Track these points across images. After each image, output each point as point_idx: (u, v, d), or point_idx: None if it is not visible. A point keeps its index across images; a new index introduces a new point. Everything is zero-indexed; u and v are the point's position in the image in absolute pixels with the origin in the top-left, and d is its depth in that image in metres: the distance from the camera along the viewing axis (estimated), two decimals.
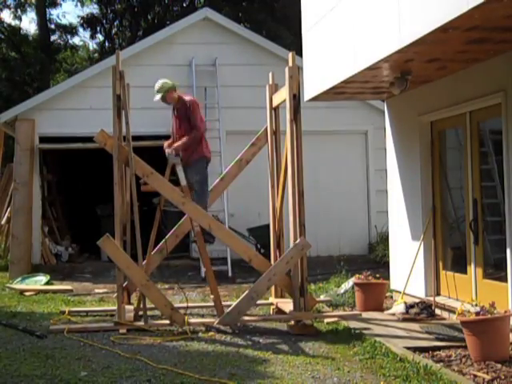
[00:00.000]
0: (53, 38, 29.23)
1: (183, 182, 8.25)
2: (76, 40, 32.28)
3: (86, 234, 14.57)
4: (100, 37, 28.85)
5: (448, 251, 8.70)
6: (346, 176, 14.30)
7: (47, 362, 6.22)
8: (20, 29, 28.72)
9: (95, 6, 28.34)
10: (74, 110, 13.49)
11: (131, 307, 8.16)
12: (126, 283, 8.16)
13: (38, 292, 10.52)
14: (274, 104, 8.87)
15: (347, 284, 9.75)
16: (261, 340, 7.15)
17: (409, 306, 8.32)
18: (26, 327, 7.67)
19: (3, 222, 14.59)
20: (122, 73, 7.98)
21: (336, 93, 9.05)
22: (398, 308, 8.39)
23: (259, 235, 12.57)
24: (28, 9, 28.71)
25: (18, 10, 28.12)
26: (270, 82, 8.99)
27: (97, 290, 10.82)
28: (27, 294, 10.41)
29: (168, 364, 6.10)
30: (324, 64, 8.82)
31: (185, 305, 8.38)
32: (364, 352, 6.48)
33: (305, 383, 5.58)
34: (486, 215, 7.74)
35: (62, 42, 29.66)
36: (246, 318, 7.87)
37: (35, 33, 29.31)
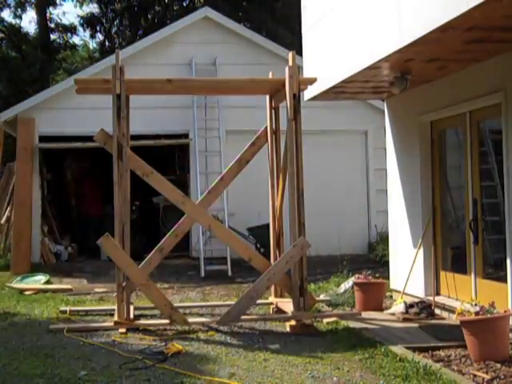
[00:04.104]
0: (53, 37, 29.27)
1: None
2: (76, 39, 32.32)
3: (85, 233, 14.59)
4: (100, 36, 28.87)
5: (448, 251, 8.70)
6: (345, 176, 14.31)
7: (47, 361, 6.23)
8: (20, 28, 28.72)
9: (95, 5, 28.34)
10: (73, 110, 13.49)
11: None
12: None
13: (38, 291, 10.52)
14: (274, 103, 8.87)
15: (347, 284, 9.75)
16: (260, 340, 7.15)
17: (408, 306, 8.32)
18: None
19: (3, 221, 14.60)
20: (122, 67, 7.97)
21: (336, 92, 9.05)
22: (398, 308, 8.39)
23: (259, 235, 12.57)
24: (28, 8, 28.74)
25: (19, 9, 28.12)
26: None
27: (96, 290, 10.81)
28: (27, 293, 10.40)
29: (168, 363, 6.11)
30: (324, 63, 8.82)
31: (185, 304, 8.40)
32: (363, 352, 6.47)
33: (304, 383, 5.59)
34: (485, 215, 7.73)
35: (61, 42, 29.67)
36: (246, 317, 7.87)
37: (35, 32, 29.31)
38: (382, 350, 6.46)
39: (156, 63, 13.56)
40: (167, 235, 8.68)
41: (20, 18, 28.73)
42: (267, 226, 9.32)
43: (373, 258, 13.10)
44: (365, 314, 8.27)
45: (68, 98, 13.39)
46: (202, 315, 8.54)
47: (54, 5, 28.76)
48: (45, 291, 10.52)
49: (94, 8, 28.64)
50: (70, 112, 13.56)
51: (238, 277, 12.01)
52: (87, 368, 5.98)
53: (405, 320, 7.99)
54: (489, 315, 6.17)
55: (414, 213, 8.96)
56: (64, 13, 30.49)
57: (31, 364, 6.11)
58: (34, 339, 7.13)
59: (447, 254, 8.70)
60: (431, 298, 8.42)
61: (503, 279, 7.11)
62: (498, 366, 5.93)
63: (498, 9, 5.19)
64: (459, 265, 8.18)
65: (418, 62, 7.22)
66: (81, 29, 28.78)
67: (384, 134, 10.28)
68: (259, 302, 8.46)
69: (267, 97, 8.95)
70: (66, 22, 35.01)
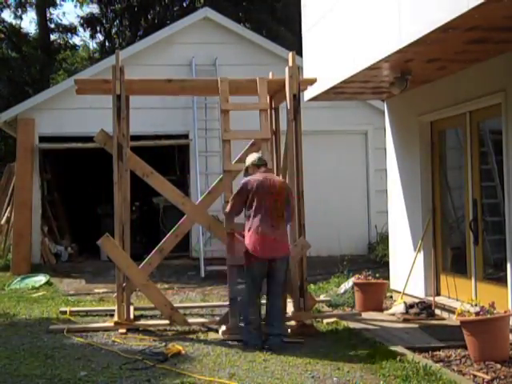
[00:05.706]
0: (53, 37, 29.28)
1: None
2: (76, 40, 32.30)
3: (85, 233, 14.58)
4: (100, 37, 28.86)
5: (448, 251, 8.70)
6: (345, 176, 14.30)
7: (47, 361, 6.23)
8: (20, 28, 28.73)
9: (95, 5, 28.35)
10: (73, 110, 13.48)
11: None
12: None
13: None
14: (274, 104, 8.87)
15: (347, 284, 9.74)
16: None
17: (408, 306, 8.32)
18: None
19: (3, 221, 14.59)
20: (123, 68, 7.97)
21: (336, 93, 9.05)
22: (398, 308, 8.39)
23: None
24: (28, 8, 28.75)
25: (19, 10, 28.13)
26: None
27: (96, 290, 10.81)
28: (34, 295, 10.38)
29: (168, 364, 6.11)
30: (324, 64, 8.82)
31: (185, 305, 8.39)
32: (364, 352, 6.47)
33: (304, 383, 5.58)
34: (485, 215, 7.73)
35: (62, 42, 29.67)
36: None
37: (35, 32, 29.32)
38: (382, 350, 6.46)
39: (156, 63, 13.55)
40: (167, 235, 8.69)
41: (20, 18, 28.80)
42: None
43: (373, 259, 13.09)
44: (365, 315, 8.27)
45: (68, 99, 13.37)
46: (202, 316, 8.54)
47: (54, 5, 28.77)
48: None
49: (93, 8, 28.67)
50: (69, 112, 13.55)
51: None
52: (87, 368, 5.98)
53: (405, 320, 7.99)
54: (489, 316, 6.17)
55: (414, 213, 8.96)
56: (64, 13, 30.56)
57: (31, 364, 6.11)
58: (33, 340, 7.12)
59: (447, 254, 8.70)
60: (431, 299, 8.42)
61: (503, 280, 7.11)
62: (498, 366, 5.94)
63: (498, 9, 5.19)
64: (459, 265, 8.18)
65: (418, 62, 7.22)
66: (81, 29, 28.82)
67: (384, 135, 10.28)
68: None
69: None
70: (66, 22, 35.05)
